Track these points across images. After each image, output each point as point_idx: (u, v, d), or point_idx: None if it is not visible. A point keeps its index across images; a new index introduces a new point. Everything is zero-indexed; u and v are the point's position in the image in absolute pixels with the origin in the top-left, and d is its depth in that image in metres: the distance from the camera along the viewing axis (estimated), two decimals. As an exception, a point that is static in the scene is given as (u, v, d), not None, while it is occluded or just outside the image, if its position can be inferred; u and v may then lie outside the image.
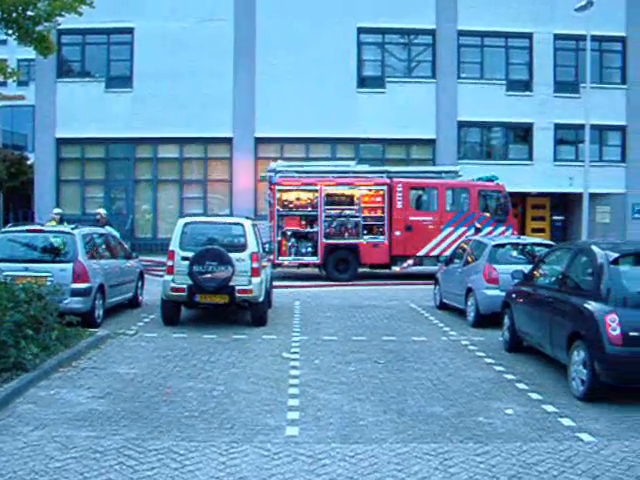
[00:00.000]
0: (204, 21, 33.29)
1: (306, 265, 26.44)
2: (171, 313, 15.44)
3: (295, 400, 9.38)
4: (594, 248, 10.42)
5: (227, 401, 9.30)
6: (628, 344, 9.04)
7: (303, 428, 8.19)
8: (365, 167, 28.22)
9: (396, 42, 35.34)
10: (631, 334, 9.05)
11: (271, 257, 21.99)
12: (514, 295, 12.97)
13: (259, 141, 34.02)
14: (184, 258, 14.84)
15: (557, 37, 35.09)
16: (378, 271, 26.98)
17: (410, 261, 26.09)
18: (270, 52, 33.11)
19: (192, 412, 8.78)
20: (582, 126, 28.38)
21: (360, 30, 34.11)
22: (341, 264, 25.70)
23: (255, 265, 15.02)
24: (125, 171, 34.91)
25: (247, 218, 16.46)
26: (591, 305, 9.59)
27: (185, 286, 14.83)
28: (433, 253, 25.65)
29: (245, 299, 15.12)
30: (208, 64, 32.94)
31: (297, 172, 26.55)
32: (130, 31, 33.85)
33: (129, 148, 34.55)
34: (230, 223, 16.53)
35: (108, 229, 19.97)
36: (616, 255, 9.90)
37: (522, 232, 33.23)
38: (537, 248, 16.27)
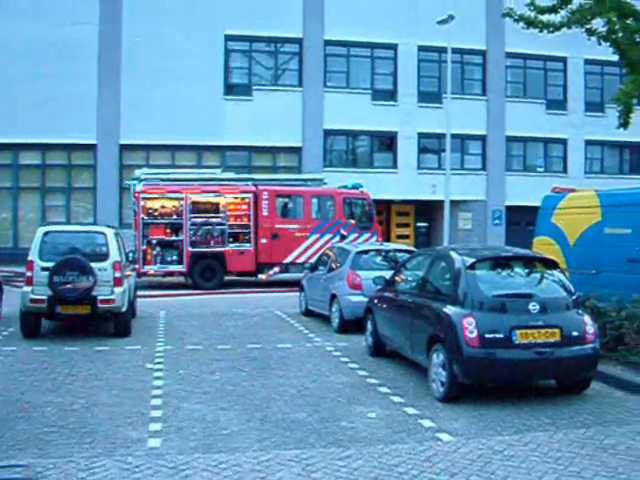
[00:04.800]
0: (68, 24, 32.08)
1: (172, 274, 26.16)
2: (31, 325, 14.87)
3: (158, 411, 9.23)
4: (452, 254, 10.75)
5: (88, 415, 9.05)
6: (484, 346, 9.38)
7: (165, 439, 8.06)
8: (231, 175, 28.10)
9: (263, 50, 35.44)
10: (487, 336, 9.39)
11: (136, 266, 21.56)
12: (376, 301, 13.18)
13: (124, 148, 33.36)
14: (44, 268, 14.35)
15: (421, 48, 36.02)
16: (244, 279, 26.89)
17: (276, 268, 26.16)
18: (136, 57, 32.47)
19: (51, 427, 8.49)
20: (445, 135, 29.20)
21: (228, 37, 33.99)
22: (207, 272, 25.53)
23: (117, 274, 14.70)
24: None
25: (109, 227, 16.12)
26: (449, 309, 9.88)
27: (45, 297, 14.34)
28: (299, 260, 25.80)
29: (108, 309, 14.75)
30: (72, 69, 31.94)
31: (162, 180, 26.20)
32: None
33: (-13, 154, 33.23)
34: (92, 232, 16.11)
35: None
36: (473, 260, 10.24)
37: (387, 239, 33.90)
38: (399, 254, 16.61)
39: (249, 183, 26.87)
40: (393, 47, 35.95)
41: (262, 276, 26.32)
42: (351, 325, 15.51)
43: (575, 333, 9.75)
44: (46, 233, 15.03)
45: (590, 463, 7.41)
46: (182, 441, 8.01)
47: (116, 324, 15.15)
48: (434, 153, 36.67)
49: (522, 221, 34.85)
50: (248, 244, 25.89)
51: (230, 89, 34.40)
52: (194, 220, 25.45)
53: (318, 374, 11.57)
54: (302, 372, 11.72)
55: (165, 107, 32.13)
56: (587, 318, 10.08)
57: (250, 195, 26.05)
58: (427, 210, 37.56)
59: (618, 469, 7.25)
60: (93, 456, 7.49)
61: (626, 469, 7.25)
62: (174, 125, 32.15)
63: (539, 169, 38.63)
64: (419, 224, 38.46)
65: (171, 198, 25.58)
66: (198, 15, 32.97)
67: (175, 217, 25.47)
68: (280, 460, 7.41)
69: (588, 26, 13.02)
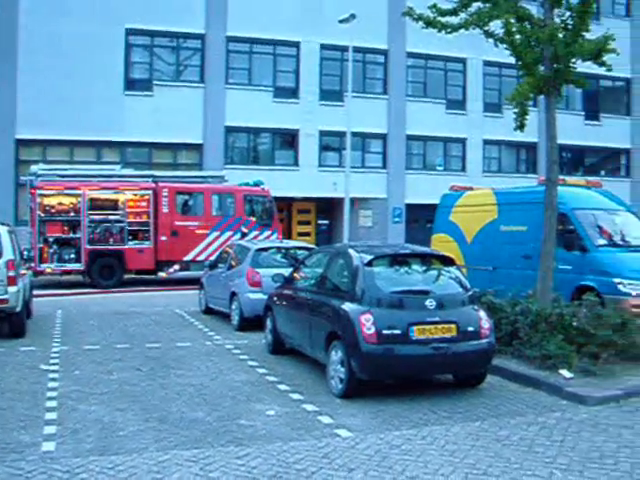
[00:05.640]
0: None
1: (70, 272, 25.60)
2: None
3: (53, 414, 9.01)
4: (350, 251, 10.84)
5: (-22, 420, 8.77)
6: (382, 342, 9.49)
7: (60, 442, 7.86)
8: (131, 171, 27.65)
9: (165, 45, 34.87)
10: (385, 332, 9.50)
11: (32, 265, 21.01)
12: (275, 298, 13.19)
13: (20, 143, 32.27)
14: None
15: (323, 47, 36.08)
16: (144, 277, 26.54)
17: (176, 266, 25.94)
18: (34, 51, 31.39)
19: (-62, 433, 8.20)
20: (346, 133, 29.36)
21: (128, 31, 33.23)
22: (106, 270, 25.14)
23: (11, 273, 14.29)
24: None
25: (3, 224, 15.63)
26: (347, 306, 9.96)
27: None
28: (199, 258, 25.63)
29: (1, 309, 14.34)
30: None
31: (60, 176, 25.58)
32: None
33: None
34: (-17, 230, 15.63)
35: None
36: (370, 258, 10.35)
37: (288, 236, 33.94)
38: (299, 252, 16.68)
39: (149, 180, 26.52)
40: (296, 45, 35.94)
41: (162, 274, 26.06)
42: (251, 323, 15.50)
43: (471, 328, 9.96)
44: None
45: (485, 454, 7.60)
46: (77, 444, 7.83)
47: (10, 324, 14.78)
48: (335, 151, 36.83)
49: (422, 219, 35.37)
50: (148, 242, 25.60)
51: (131, 84, 33.72)
52: (92, 217, 25.02)
53: (217, 372, 11.51)
54: (201, 371, 11.64)
55: (64, 102, 31.26)
56: (482, 313, 10.31)
57: (150, 192, 25.75)
58: (328, 208, 37.75)
59: (511, 459, 7.46)
60: (-18, 463, 7.26)
61: (519, 459, 7.46)
62: (73, 120, 31.31)
63: (439, 168, 39.26)
64: (320, 222, 38.63)
65: (69, 195, 25.09)
66: (98, 8, 32.11)
67: (73, 214, 24.99)
68: (178, 460, 7.32)
69: (486, 28, 13.26)
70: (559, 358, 10.98)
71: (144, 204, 25.75)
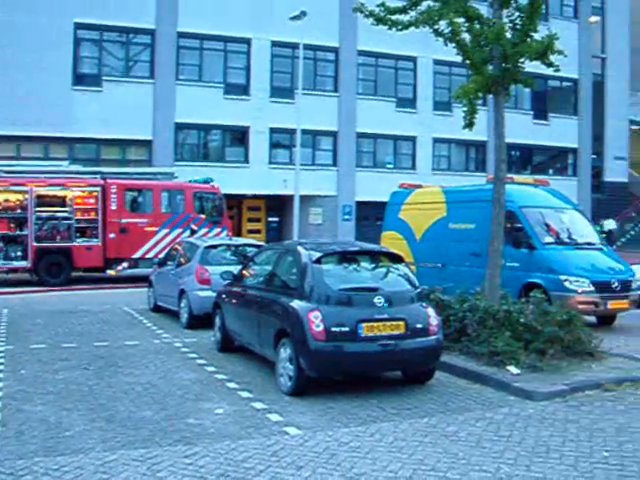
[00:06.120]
0: None
1: (16, 270, 25.18)
2: None
3: (-4, 414, 8.86)
4: (299, 248, 10.84)
5: None
6: (331, 339, 9.50)
7: (3, 444, 7.72)
8: (79, 167, 27.32)
9: (115, 40, 34.44)
10: (333, 329, 9.51)
11: (-24, 262, 20.66)
12: (224, 296, 13.14)
13: (-37, 138, 31.82)
14: None
15: (274, 44, 36.01)
16: (93, 275, 26.25)
17: (125, 264, 25.70)
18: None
19: None
20: (296, 130, 29.35)
21: (77, 25, 32.73)
22: (54, 268, 24.77)
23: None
24: None
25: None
26: (296, 303, 9.95)
27: None
28: (149, 255, 25.46)
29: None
30: None
31: (5, 172, 25.12)
32: None
33: None
34: None
35: None
36: (319, 255, 10.36)
37: (238, 233, 33.95)
38: (249, 249, 16.64)
39: (97, 176, 26.23)
40: (247, 41, 35.81)
41: (111, 272, 25.76)
42: (200, 321, 15.42)
43: (419, 325, 10.02)
44: None
45: (433, 450, 7.65)
46: (22, 445, 7.70)
47: (-48, 324, 14.50)
48: (286, 148, 36.80)
49: (372, 216, 35.44)
50: (96, 239, 25.32)
51: (79, 79, 33.24)
52: (39, 214, 24.65)
53: (166, 371, 11.41)
54: (149, 369, 11.54)
55: (10, 96, 30.67)
56: (430, 310, 10.39)
57: (98, 189, 25.47)
58: (279, 205, 37.72)
59: (459, 454, 7.53)
60: None
61: (466, 454, 7.54)
62: (20, 116, 30.76)
63: (388, 165, 39.46)
64: (270, 219, 38.62)
65: (15, 191, 24.67)
66: (47, 0, 31.71)
67: (19, 211, 24.60)
68: (125, 460, 7.25)
69: (436, 27, 13.34)
70: (507, 354, 11.11)
71: (92, 201, 25.45)
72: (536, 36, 13.00)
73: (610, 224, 37.44)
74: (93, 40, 33.88)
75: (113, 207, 25.50)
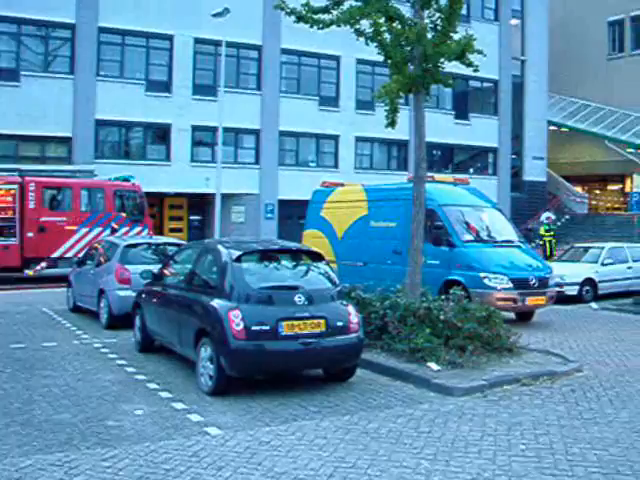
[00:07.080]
0: None
1: None
2: None
3: None
4: (219, 247, 10.79)
5: None
6: (251, 338, 9.48)
7: None
8: (-5, 165, 26.76)
9: (33, 34, 33.64)
10: (253, 328, 9.49)
11: None
12: (144, 295, 13.00)
13: None
14: None
15: (197, 41, 35.66)
16: (10, 275, 25.62)
17: (44, 264, 25.21)
18: None
19: None
20: (218, 128, 29.18)
21: (-7, 19, 32.03)
22: (-32, 268, 24.17)
23: None
24: None
25: None
26: (216, 302, 9.90)
27: None
28: (68, 255, 25.04)
29: None
30: None
31: None
32: None
33: None
34: None
35: None
36: (239, 253, 10.32)
37: (160, 232, 33.54)
38: (169, 247, 16.49)
39: (15, 174, 25.70)
40: (169, 38, 35.38)
41: (28, 272, 25.24)
42: (120, 321, 15.19)
43: (340, 323, 10.07)
44: None
45: (354, 448, 7.69)
46: None
47: None
48: (208, 146, 36.47)
49: (294, 215, 35.42)
50: (13, 238, 24.80)
51: (-5, 74, 32.50)
52: (-46, 213, 24.03)
53: (85, 372, 11.23)
54: (68, 371, 11.33)
55: None
56: (351, 308, 10.45)
57: (16, 186, 24.96)
58: (201, 203, 37.44)
59: (380, 451, 7.60)
60: None
61: (387, 451, 7.61)
62: None
63: (311, 164, 39.53)
64: (192, 217, 38.32)
65: None
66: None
67: None
68: (41, 465, 7.10)
69: (357, 26, 13.40)
70: (427, 351, 11.24)
71: (10, 199, 24.92)
72: (455, 37, 13.20)
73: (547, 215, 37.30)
74: (10, 34, 33.00)
75: (31, 205, 25.02)
